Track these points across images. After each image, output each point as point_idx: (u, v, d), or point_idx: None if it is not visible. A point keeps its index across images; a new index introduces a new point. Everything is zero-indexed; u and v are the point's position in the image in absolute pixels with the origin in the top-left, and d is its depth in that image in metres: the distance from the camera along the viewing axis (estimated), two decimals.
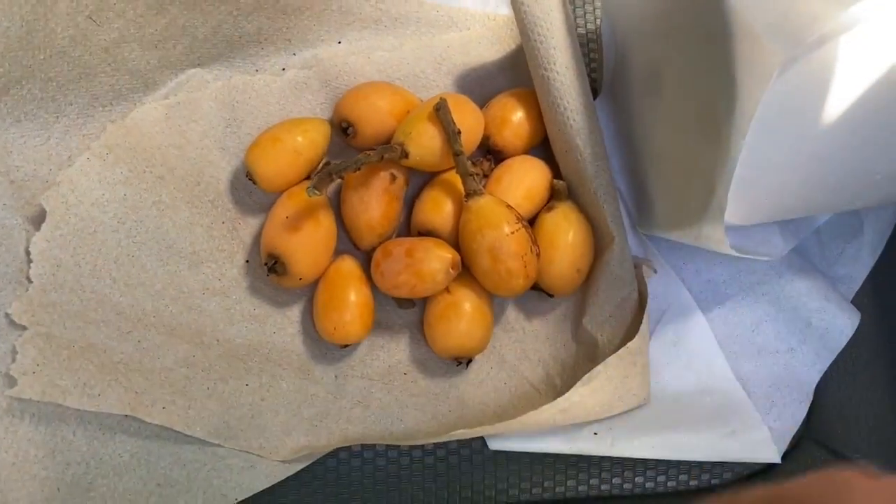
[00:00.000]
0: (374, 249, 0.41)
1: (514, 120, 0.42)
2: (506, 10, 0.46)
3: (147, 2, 0.39)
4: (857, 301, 0.44)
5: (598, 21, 0.46)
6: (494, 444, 0.40)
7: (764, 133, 0.33)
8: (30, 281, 0.36)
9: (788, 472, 0.42)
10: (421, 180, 0.42)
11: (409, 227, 0.42)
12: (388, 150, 0.38)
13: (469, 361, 0.41)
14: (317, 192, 0.37)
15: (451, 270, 0.38)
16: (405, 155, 0.38)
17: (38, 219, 0.37)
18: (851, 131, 0.34)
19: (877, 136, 0.35)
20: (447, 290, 0.40)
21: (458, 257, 0.38)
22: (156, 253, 0.39)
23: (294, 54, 0.43)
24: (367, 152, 0.38)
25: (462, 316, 0.39)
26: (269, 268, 0.38)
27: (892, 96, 0.34)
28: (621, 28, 0.44)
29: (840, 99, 0.33)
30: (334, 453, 0.39)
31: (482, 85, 0.45)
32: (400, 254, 0.38)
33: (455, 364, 0.41)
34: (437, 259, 0.38)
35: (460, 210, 0.39)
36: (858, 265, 0.45)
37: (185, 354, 0.37)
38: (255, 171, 0.39)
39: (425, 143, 0.39)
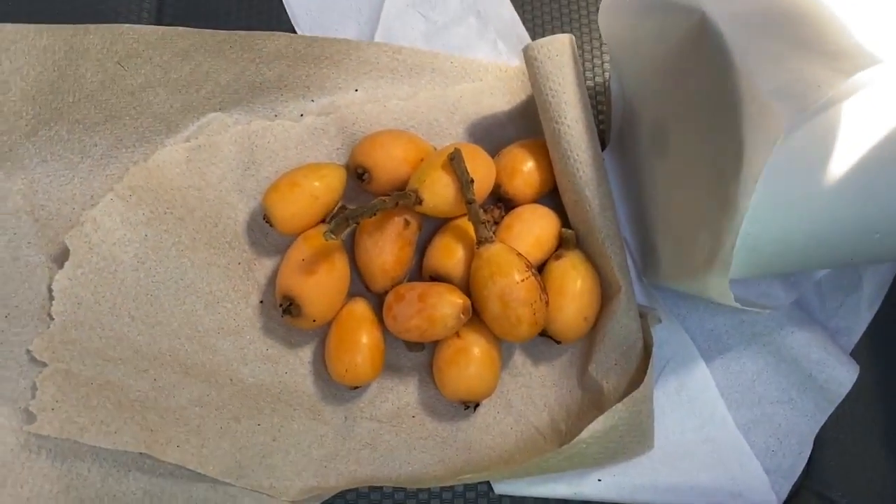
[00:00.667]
0: (386, 292, 0.42)
1: (525, 170, 0.43)
2: (517, 62, 0.48)
3: (173, 49, 0.40)
4: (855, 354, 0.45)
5: (607, 76, 0.48)
6: (500, 489, 0.41)
7: (768, 193, 0.34)
8: (51, 318, 0.36)
9: None
10: (433, 226, 0.43)
11: (420, 271, 0.43)
12: (402, 197, 0.39)
13: (477, 405, 0.41)
14: (334, 236, 0.38)
15: (462, 316, 0.39)
16: (419, 201, 0.40)
17: (62, 257, 0.38)
18: (852, 193, 0.35)
19: (876, 197, 0.36)
20: (457, 334, 0.40)
21: (468, 303, 0.39)
22: (173, 292, 0.39)
23: (312, 101, 0.45)
24: (383, 198, 0.39)
25: (471, 360, 0.40)
26: (283, 309, 0.39)
27: (892, 160, 0.35)
28: (629, 84, 0.45)
29: (842, 161, 0.34)
30: (342, 495, 0.40)
31: (493, 133, 0.46)
32: (412, 298, 0.39)
33: (463, 408, 0.42)
34: (448, 304, 0.39)
35: (471, 256, 0.40)
36: (857, 318, 0.46)
37: (199, 394, 0.38)
38: (272, 213, 0.40)
39: (439, 191, 0.40)
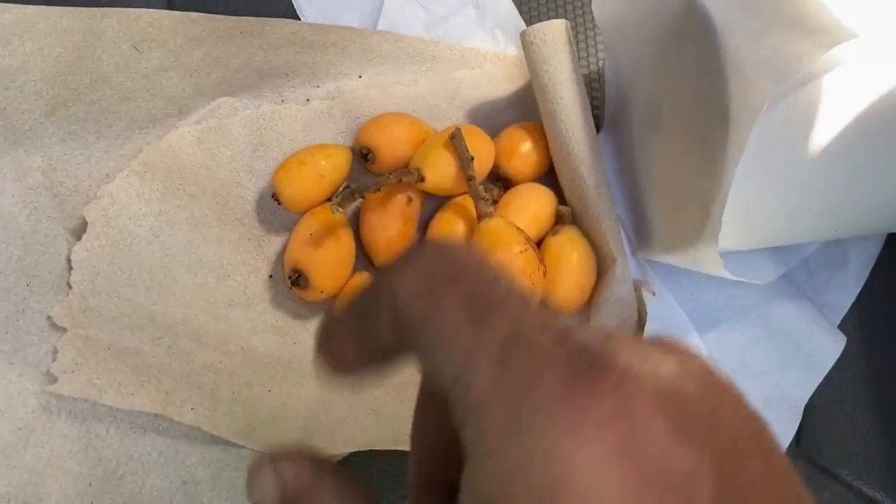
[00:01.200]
0: None
1: (523, 150, 0.45)
2: (514, 50, 0.49)
3: (186, 34, 0.42)
4: (843, 327, 0.46)
5: (601, 62, 0.50)
6: None
7: (755, 163, 0.36)
8: (70, 287, 0.38)
9: None
10: (435, 203, 0.45)
11: None
12: (405, 174, 0.41)
13: None
14: (340, 209, 0.39)
15: None
16: (421, 179, 0.41)
17: (80, 230, 0.39)
18: (835, 163, 0.37)
19: (859, 168, 0.38)
20: None
21: None
22: (186, 265, 0.41)
23: (318, 86, 0.47)
24: (387, 175, 0.40)
25: None
26: (292, 281, 0.41)
27: (872, 132, 0.37)
28: (622, 67, 0.47)
29: (825, 133, 0.36)
30: (349, 458, 0.41)
31: (492, 118, 0.48)
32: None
33: None
34: None
35: (472, 232, 0.42)
36: (844, 293, 0.47)
37: (212, 360, 0.39)
38: (280, 191, 0.42)
39: (440, 169, 0.42)
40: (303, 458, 0.18)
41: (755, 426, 0.15)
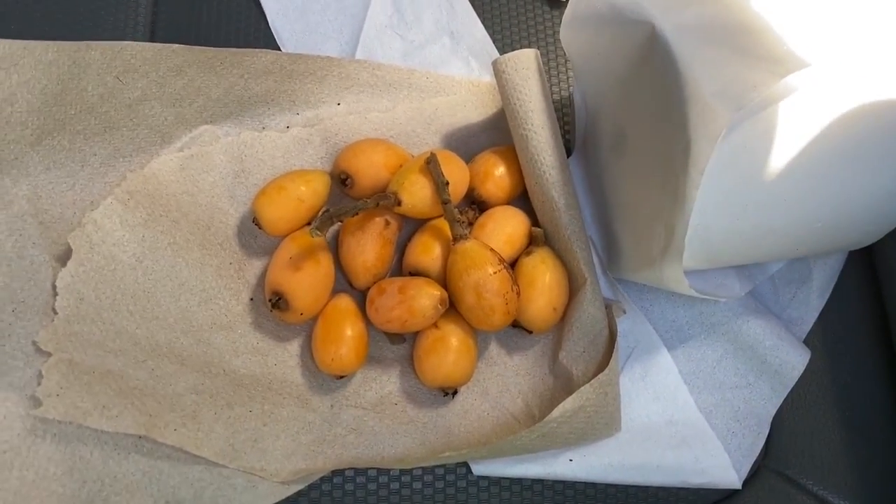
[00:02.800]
0: (368, 289, 0.44)
1: (497, 174, 0.47)
2: (488, 78, 0.51)
3: (168, 64, 0.44)
4: (808, 341, 0.48)
5: (571, 88, 0.52)
6: (478, 470, 0.43)
7: (716, 186, 0.37)
8: (55, 312, 0.39)
9: (748, 499, 0.45)
10: (412, 226, 0.47)
11: (401, 268, 0.46)
12: (383, 198, 0.42)
13: (455, 392, 0.44)
14: (319, 232, 0.41)
15: (439, 306, 0.42)
16: (398, 203, 0.43)
17: (65, 256, 0.40)
18: (793, 185, 0.39)
19: (816, 189, 0.39)
20: (435, 325, 0.43)
21: (445, 294, 0.42)
22: (169, 290, 0.42)
23: (297, 114, 0.48)
24: (365, 199, 0.42)
25: (449, 350, 0.43)
26: (272, 304, 0.42)
27: (828, 155, 0.38)
28: (590, 94, 0.49)
29: (781, 157, 0.38)
30: (329, 477, 0.42)
31: (467, 143, 0.49)
32: (393, 291, 0.42)
33: (442, 395, 0.44)
34: (427, 296, 0.42)
35: (448, 253, 0.44)
36: (808, 308, 0.49)
37: (194, 382, 0.40)
38: (260, 216, 0.43)
39: (417, 193, 0.43)
40: None
41: None
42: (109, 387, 0.38)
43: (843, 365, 0.48)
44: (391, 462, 0.41)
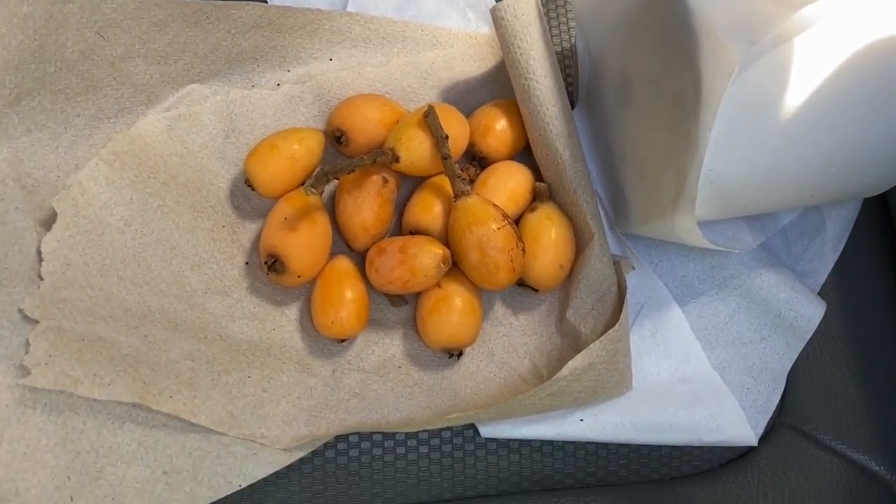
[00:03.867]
0: (367, 250, 0.43)
1: (498, 128, 0.45)
2: (486, 29, 0.49)
3: (152, 19, 0.42)
4: (823, 294, 0.47)
5: (573, 38, 0.50)
6: (486, 432, 0.42)
7: (728, 129, 0.36)
8: (41, 279, 0.37)
9: (765, 456, 0.44)
10: (412, 184, 0.45)
11: (400, 229, 0.44)
12: (380, 155, 0.40)
13: (460, 354, 0.43)
14: (314, 191, 0.39)
15: (441, 265, 0.40)
16: (396, 159, 0.41)
17: (49, 221, 0.38)
18: (808, 126, 0.37)
19: (831, 131, 0.38)
20: (438, 285, 0.42)
21: (448, 252, 0.41)
22: (160, 254, 0.40)
23: (288, 70, 0.46)
24: (361, 156, 0.40)
25: (453, 310, 0.41)
26: (268, 266, 0.40)
27: (845, 93, 0.37)
28: (594, 43, 0.47)
29: (797, 96, 0.36)
30: (333, 443, 0.41)
31: (465, 98, 0.48)
32: (393, 250, 0.41)
33: (447, 356, 0.43)
34: (428, 254, 0.40)
35: (449, 211, 0.42)
36: (822, 260, 0.47)
37: (189, 348, 0.39)
38: (253, 177, 0.41)
39: (415, 148, 0.41)
40: None
41: None
42: (101, 354, 0.37)
43: (859, 317, 0.47)
44: (396, 426, 0.40)
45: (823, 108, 0.37)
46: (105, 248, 0.39)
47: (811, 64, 0.36)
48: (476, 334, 0.42)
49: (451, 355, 0.42)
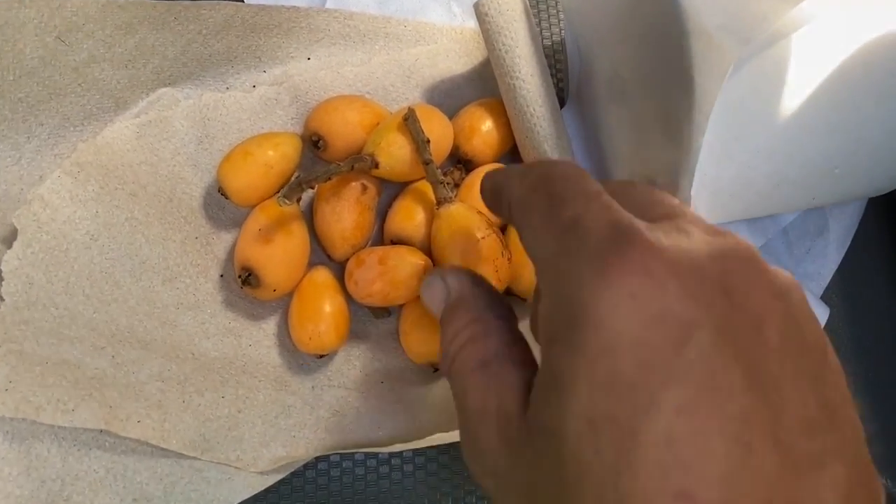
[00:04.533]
0: (347, 260, 0.41)
1: (483, 129, 0.43)
2: (472, 24, 0.47)
3: (116, 22, 0.40)
4: (826, 296, 0.45)
5: (563, 33, 0.47)
6: None
7: (723, 131, 0.34)
8: (2, 299, 0.36)
9: None
10: (393, 191, 0.43)
11: (381, 237, 0.42)
12: (358, 161, 0.38)
13: None
14: (287, 201, 0.37)
15: (423, 277, 0.38)
16: (375, 165, 0.39)
17: (10, 237, 0.37)
18: (808, 127, 0.35)
19: (833, 130, 0.36)
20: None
21: (430, 263, 0.39)
22: (129, 269, 0.39)
23: (264, 71, 0.44)
24: (338, 163, 0.38)
25: (437, 322, 0.39)
26: (242, 280, 0.38)
27: (845, 91, 0.35)
28: (584, 39, 0.45)
29: (795, 95, 0.34)
30: (312, 463, 0.39)
31: (450, 96, 0.45)
32: (373, 262, 0.39)
33: (431, 371, 0.41)
34: (409, 265, 0.38)
35: (432, 218, 0.40)
36: (826, 261, 0.45)
37: (159, 369, 0.37)
38: (226, 185, 0.39)
39: (395, 153, 0.39)
40: (465, 273, 0.26)
41: (783, 308, 0.18)
42: (65, 378, 0.35)
43: (864, 322, 0.45)
44: (378, 445, 0.38)
45: (824, 108, 0.35)
46: (70, 265, 0.37)
47: (809, 61, 0.34)
48: None
49: (436, 369, 0.41)
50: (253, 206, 0.40)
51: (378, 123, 0.41)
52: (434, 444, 0.38)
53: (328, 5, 0.46)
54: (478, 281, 0.26)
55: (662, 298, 0.17)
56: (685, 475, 0.15)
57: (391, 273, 0.38)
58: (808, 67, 0.34)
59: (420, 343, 0.39)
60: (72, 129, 0.40)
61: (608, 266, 0.17)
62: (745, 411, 0.16)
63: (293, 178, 0.42)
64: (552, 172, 0.21)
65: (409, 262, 0.38)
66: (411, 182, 0.42)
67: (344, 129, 0.41)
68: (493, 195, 0.25)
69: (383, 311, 0.42)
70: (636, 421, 0.16)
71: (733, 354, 0.16)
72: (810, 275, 0.45)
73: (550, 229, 0.19)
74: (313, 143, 0.42)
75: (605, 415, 0.16)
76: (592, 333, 0.17)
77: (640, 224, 0.18)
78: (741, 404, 0.16)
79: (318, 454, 0.38)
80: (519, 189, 0.22)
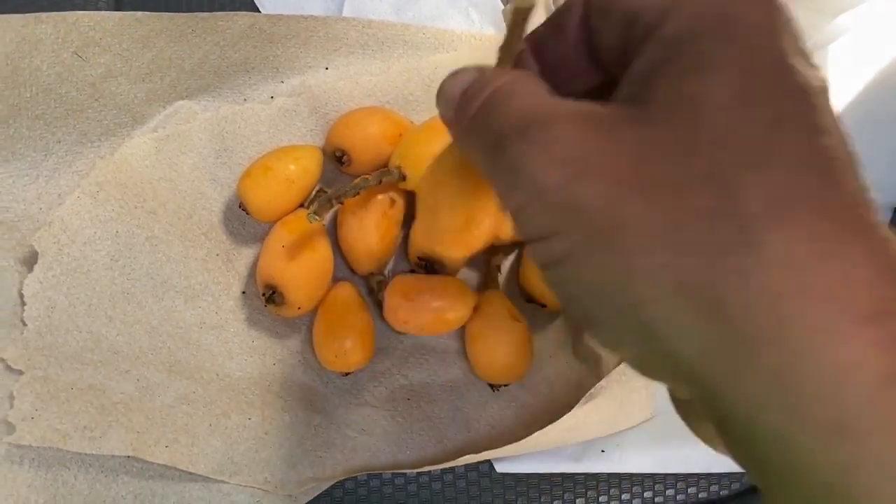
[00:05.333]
0: (372, 274, 0.40)
1: None
2: (491, 31, 0.46)
3: (133, 36, 0.39)
4: None
5: None
6: (502, 467, 0.40)
7: None
8: (24, 324, 0.35)
9: None
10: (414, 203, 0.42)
11: (405, 249, 0.42)
12: (386, 174, 0.38)
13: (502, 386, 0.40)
14: (317, 217, 0.36)
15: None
16: (403, 178, 0.38)
17: (31, 260, 0.36)
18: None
19: (867, 141, 0.35)
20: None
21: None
22: (150, 289, 0.38)
23: (282, 82, 0.43)
24: (366, 176, 0.37)
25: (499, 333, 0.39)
26: (266, 298, 0.38)
27: (878, 101, 0.34)
28: None
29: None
30: (340, 483, 0.39)
31: None
32: (424, 302, 0.38)
33: (467, 387, 0.41)
34: (463, 307, 0.38)
35: None
36: None
37: (185, 391, 0.37)
38: (247, 201, 0.39)
39: (422, 165, 0.38)
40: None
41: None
42: (91, 404, 0.34)
43: None
44: (406, 465, 0.38)
45: (860, 117, 0.34)
46: (91, 287, 0.36)
47: (846, 71, 0.33)
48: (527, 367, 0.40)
49: (496, 388, 0.40)
50: (274, 222, 0.40)
51: (400, 134, 0.41)
52: (463, 463, 0.37)
53: (345, 13, 0.45)
54: (506, 68, 0.23)
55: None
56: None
57: (442, 313, 0.38)
58: (843, 77, 0.33)
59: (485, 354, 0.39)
60: (89, 145, 0.39)
61: None
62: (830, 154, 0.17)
63: (316, 192, 0.41)
64: None
65: (463, 303, 0.38)
66: None
67: (367, 143, 0.40)
68: (543, 34, 0.23)
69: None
70: (789, 101, 0.16)
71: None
72: None
73: None
74: (337, 158, 0.41)
75: (757, 92, 0.16)
76: (751, 29, 0.17)
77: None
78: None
79: (344, 477, 0.38)
80: None
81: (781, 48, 0.17)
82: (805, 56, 0.17)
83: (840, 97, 0.34)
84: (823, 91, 0.17)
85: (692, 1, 0.18)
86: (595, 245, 0.17)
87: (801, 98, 0.17)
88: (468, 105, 0.21)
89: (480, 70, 0.22)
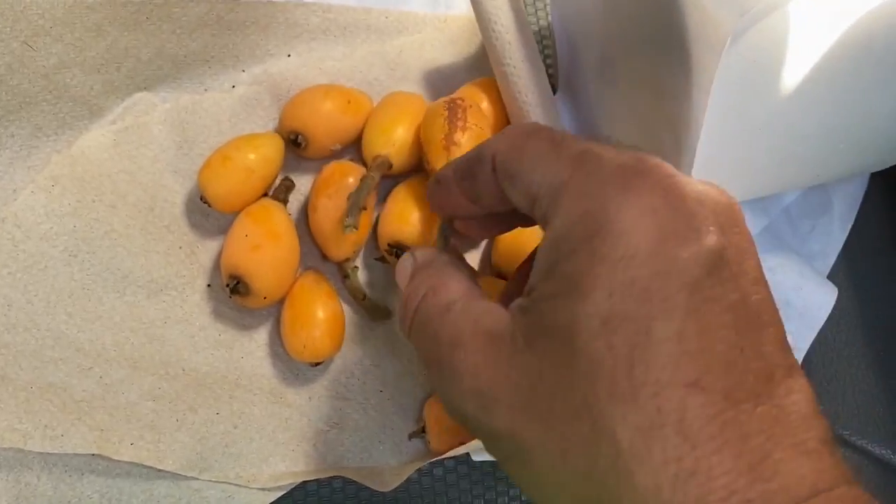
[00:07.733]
0: (347, 260, 0.39)
1: (482, 108, 0.41)
2: (455, 12, 0.45)
3: (85, 24, 0.38)
4: (833, 277, 0.43)
5: (549, 18, 0.46)
6: (478, 456, 0.39)
7: (723, 108, 0.32)
8: None
9: None
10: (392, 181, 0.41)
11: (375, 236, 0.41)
12: (381, 167, 0.38)
13: None
14: (355, 229, 0.35)
15: None
16: (390, 166, 0.38)
17: None
18: (810, 100, 0.34)
19: (837, 103, 0.34)
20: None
21: None
22: (112, 284, 0.37)
23: (243, 70, 0.42)
24: (370, 175, 0.37)
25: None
26: (231, 288, 0.37)
27: (848, 62, 0.33)
28: (571, 21, 0.43)
29: (796, 68, 0.33)
30: (328, 482, 0.38)
31: (437, 87, 0.44)
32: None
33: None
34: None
35: (427, 216, 0.38)
36: (830, 240, 0.44)
37: (150, 387, 0.36)
38: (207, 192, 0.38)
39: (406, 151, 0.39)
40: (434, 248, 0.27)
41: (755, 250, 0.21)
42: (51, 402, 0.33)
43: (872, 301, 0.44)
44: (380, 462, 0.37)
45: (826, 80, 0.34)
46: (49, 284, 0.36)
47: (809, 32, 0.32)
48: None
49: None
50: (237, 212, 0.39)
51: (349, 101, 0.40)
52: (440, 459, 0.36)
53: None
54: (443, 252, 0.27)
55: (678, 215, 0.19)
56: (694, 367, 0.18)
57: None
58: (807, 38, 0.33)
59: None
60: (45, 139, 0.38)
61: (632, 184, 0.19)
62: (737, 322, 0.19)
63: (280, 181, 0.40)
64: (538, 125, 0.24)
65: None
66: (403, 175, 0.41)
67: (322, 121, 0.40)
68: (462, 172, 0.25)
69: (382, 313, 0.40)
70: (650, 320, 0.18)
71: (729, 276, 0.19)
72: (815, 254, 0.44)
73: (561, 159, 0.21)
74: (293, 141, 0.40)
75: (621, 315, 0.18)
76: (615, 242, 0.19)
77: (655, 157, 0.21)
78: (735, 315, 0.19)
79: (317, 476, 0.37)
80: (505, 142, 0.23)
81: (651, 257, 0.18)
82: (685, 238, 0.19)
83: (806, 61, 0.33)
84: (697, 290, 0.19)
85: (570, 202, 0.20)
86: (515, 461, 0.20)
87: (669, 313, 0.18)
88: (404, 321, 0.24)
89: (414, 262, 0.26)
